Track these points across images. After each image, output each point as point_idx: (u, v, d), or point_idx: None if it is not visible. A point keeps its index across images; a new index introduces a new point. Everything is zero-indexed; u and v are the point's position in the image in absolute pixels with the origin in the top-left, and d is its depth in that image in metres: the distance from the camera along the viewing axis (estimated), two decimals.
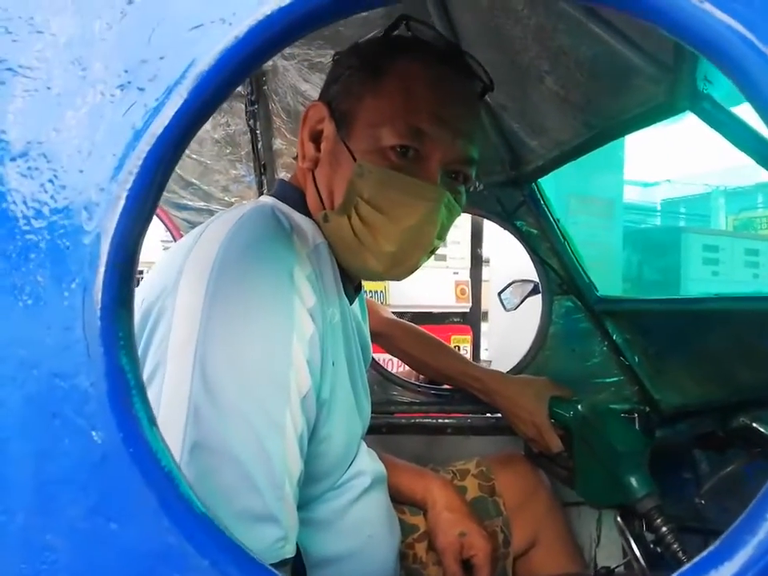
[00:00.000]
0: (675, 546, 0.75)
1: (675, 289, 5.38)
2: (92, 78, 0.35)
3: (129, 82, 0.35)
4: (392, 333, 1.26)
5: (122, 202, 0.34)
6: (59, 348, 0.34)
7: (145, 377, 0.54)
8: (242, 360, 0.53)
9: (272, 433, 0.52)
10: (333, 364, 0.61)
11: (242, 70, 0.35)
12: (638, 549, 0.78)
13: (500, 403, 1.12)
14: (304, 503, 0.64)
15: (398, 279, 0.73)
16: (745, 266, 5.93)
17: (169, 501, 0.34)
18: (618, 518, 0.83)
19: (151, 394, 0.52)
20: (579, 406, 0.97)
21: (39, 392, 0.34)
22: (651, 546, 0.78)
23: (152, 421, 0.35)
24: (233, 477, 0.50)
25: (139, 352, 0.56)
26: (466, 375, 1.18)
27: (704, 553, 0.31)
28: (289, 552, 0.53)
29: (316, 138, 0.70)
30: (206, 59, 0.34)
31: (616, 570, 0.82)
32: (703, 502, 1.00)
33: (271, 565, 0.50)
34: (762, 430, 0.90)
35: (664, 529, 0.77)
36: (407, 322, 1.32)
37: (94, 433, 0.34)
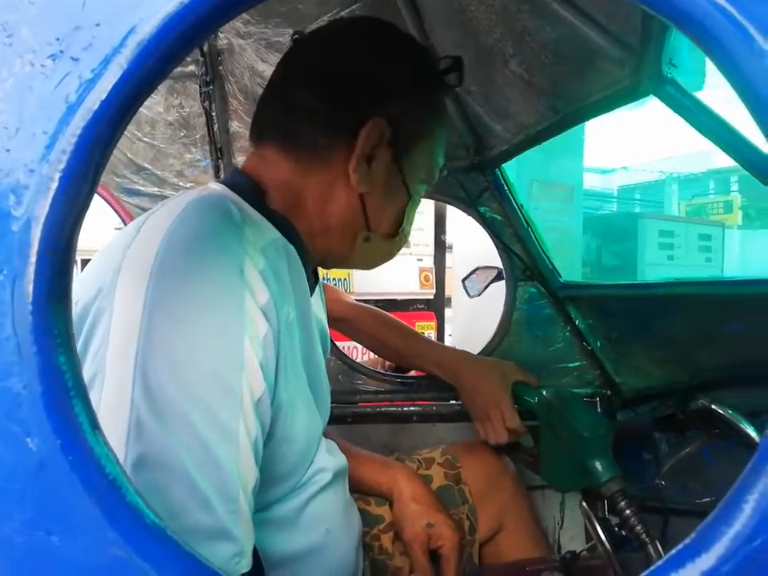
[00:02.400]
0: (639, 527, 0.76)
1: (632, 273, 5.53)
2: (19, 46, 0.32)
3: (61, 51, 0.31)
4: (356, 317, 1.24)
5: (55, 185, 0.30)
6: None
7: None
8: (187, 365, 0.49)
9: (223, 442, 0.49)
10: (289, 364, 0.58)
11: (187, 38, 0.32)
12: (603, 532, 0.79)
13: (464, 381, 1.10)
14: (263, 506, 0.62)
15: None
16: (698, 251, 6.13)
17: (115, 510, 0.32)
18: (583, 503, 0.84)
19: None
20: (544, 392, 0.97)
21: None
22: (616, 529, 0.79)
23: (94, 424, 0.32)
24: (181, 492, 0.47)
25: None
26: (432, 355, 1.17)
27: (680, 545, 0.30)
28: (245, 566, 0.50)
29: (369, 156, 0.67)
30: (148, 26, 0.31)
31: (581, 553, 0.82)
32: (663, 482, 1.02)
33: None
34: (720, 411, 0.92)
35: (627, 511, 0.77)
36: (371, 306, 1.31)
37: (29, 439, 0.31)
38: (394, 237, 0.74)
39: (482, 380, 1.07)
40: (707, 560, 0.29)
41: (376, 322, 1.25)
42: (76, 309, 0.53)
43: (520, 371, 1.09)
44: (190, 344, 0.49)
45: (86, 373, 0.50)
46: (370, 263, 0.80)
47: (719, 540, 0.29)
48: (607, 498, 0.81)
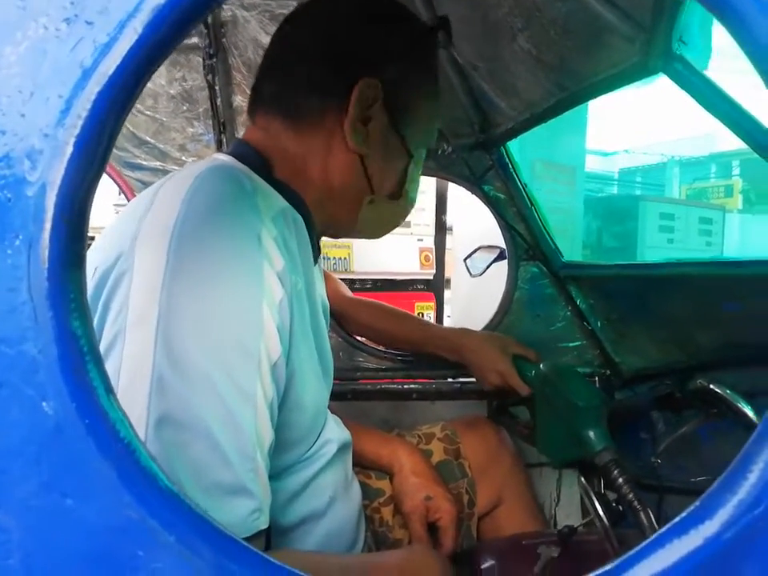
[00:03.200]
0: (631, 496, 0.77)
1: (632, 256, 5.52)
2: (33, 9, 0.31)
3: (75, 15, 0.31)
4: (355, 309, 1.28)
5: (70, 150, 0.30)
6: (3, 311, 0.31)
7: (102, 349, 0.51)
8: (209, 327, 0.50)
9: (242, 402, 0.50)
10: (299, 331, 0.59)
11: (202, 3, 0.31)
12: (600, 506, 0.80)
13: (466, 356, 1.13)
14: (273, 474, 0.63)
15: None
16: (699, 234, 6.12)
17: (129, 474, 0.32)
18: (581, 478, 0.85)
19: (110, 367, 0.49)
20: (541, 366, 0.98)
21: None
22: (613, 504, 0.80)
23: (109, 389, 0.32)
24: (202, 450, 0.48)
25: (95, 323, 0.52)
26: (433, 337, 1.19)
27: (684, 513, 0.31)
28: (263, 523, 0.51)
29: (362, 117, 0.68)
30: None
31: (578, 528, 0.83)
32: (659, 460, 1.03)
33: (246, 538, 0.49)
34: (718, 391, 0.93)
35: (620, 480, 0.79)
36: (365, 298, 1.33)
37: (44, 403, 0.31)
38: (398, 198, 0.75)
39: (485, 355, 1.09)
40: (711, 527, 0.29)
41: (374, 311, 1.28)
42: (95, 276, 0.54)
43: (519, 345, 1.11)
44: (211, 308, 0.50)
45: (107, 334, 0.51)
46: (375, 230, 0.81)
47: (723, 507, 0.29)
48: (600, 467, 0.82)
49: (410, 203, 0.80)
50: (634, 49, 0.74)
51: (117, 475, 0.32)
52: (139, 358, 0.48)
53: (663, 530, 0.31)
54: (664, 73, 0.73)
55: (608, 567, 0.31)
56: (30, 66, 0.31)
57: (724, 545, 0.29)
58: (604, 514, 0.79)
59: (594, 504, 0.79)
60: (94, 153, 0.31)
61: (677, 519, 0.31)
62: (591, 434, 0.83)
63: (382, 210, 0.76)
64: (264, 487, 0.52)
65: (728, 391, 0.91)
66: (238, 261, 0.52)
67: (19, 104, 0.31)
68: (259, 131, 0.71)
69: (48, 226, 0.31)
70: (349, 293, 1.33)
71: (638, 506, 0.75)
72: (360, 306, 1.28)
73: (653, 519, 0.73)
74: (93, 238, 0.63)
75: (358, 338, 1.35)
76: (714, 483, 0.31)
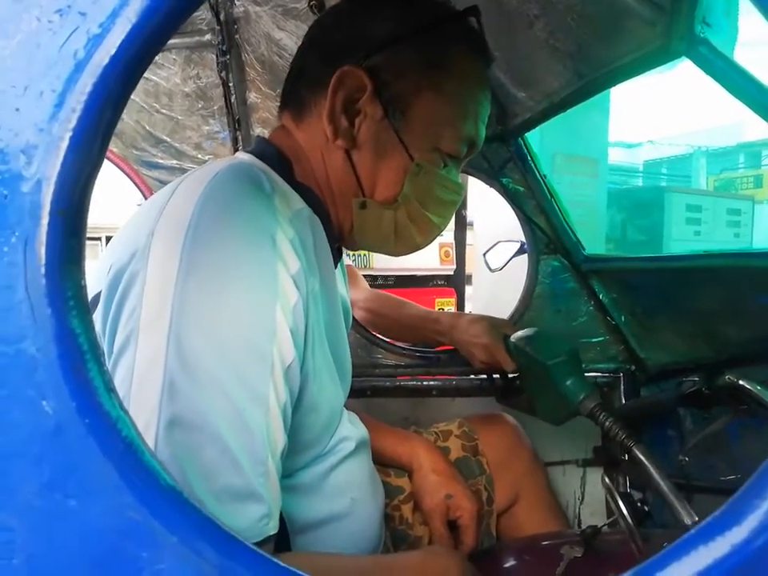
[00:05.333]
0: (621, 433, 0.75)
1: (658, 249, 5.40)
2: (26, 1, 0.31)
3: (68, 6, 0.30)
4: (365, 298, 1.31)
5: (65, 144, 0.30)
6: (1, 309, 0.31)
7: (116, 349, 0.51)
8: (221, 330, 0.49)
9: (254, 406, 0.49)
10: (315, 334, 0.58)
11: None
12: (625, 506, 0.78)
13: (455, 336, 1.15)
14: (288, 473, 0.62)
15: None
16: (726, 226, 5.96)
17: (131, 473, 0.31)
18: (605, 477, 0.83)
19: (123, 368, 0.49)
20: (511, 338, 0.97)
21: None
22: (638, 504, 0.77)
23: (109, 387, 0.31)
24: (213, 454, 0.47)
25: (109, 322, 0.52)
26: (427, 320, 1.22)
27: (709, 518, 0.29)
28: (273, 528, 0.51)
29: (348, 109, 0.64)
30: None
31: (602, 528, 0.81)
32: (687, 458, 1.00)
33: (255, 543, 0.48)
34: (748, 387, 0.89)
35: (607, 423, 0.78)
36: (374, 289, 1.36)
37: (44, 402, 0.31)
38: (392, 204, 0.68)
39: (473, 331, 1.11)
40: (739, 533, 0.28)
41: (374, 297, 1.31)
42: (109, 273, 0.53)
43: (509, 326, 1.11)
44: (224, 310, 0.49)
45: (120, 335, 0.50)
46: (374, 241, 0.73)
47: (752, 512, 0.28)
48: (587, 415, 0.81)
49: (433, 225, 0.72)
50: (655, 32, 0.71)
51: (119, 475, 0.31)
52: (151, 361, 0.48)
53: (688, 535, 0.29)
54: (687, 57, 0.70)
55: (627, 575, 0.29)
56: (24, 59, 0.30)
57: (753, 553, 0.27)
58: (629, 513, 0.76)
59: (617, 504, 0.77)
60: (89, 146, 0.30)
61: (702, 524, 0.29)
62: (568, 386, 0.83)
63: (379, 219, 0.69)
64: (275, 492, 0.51)
65: (758, 387, 0.87)
66: (251, 263, 0.51)
67: (13, 99, 0.30)
68: (280, 131, 0.71)
69: (45, 222, 0.30)
70: (365, 284, 1.34)
71: (630, 443, 0.74)
72: (366, 294, 1.32)
73: (648, 454, 0.71)
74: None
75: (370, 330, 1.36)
76: (743, 486, 0.29)
